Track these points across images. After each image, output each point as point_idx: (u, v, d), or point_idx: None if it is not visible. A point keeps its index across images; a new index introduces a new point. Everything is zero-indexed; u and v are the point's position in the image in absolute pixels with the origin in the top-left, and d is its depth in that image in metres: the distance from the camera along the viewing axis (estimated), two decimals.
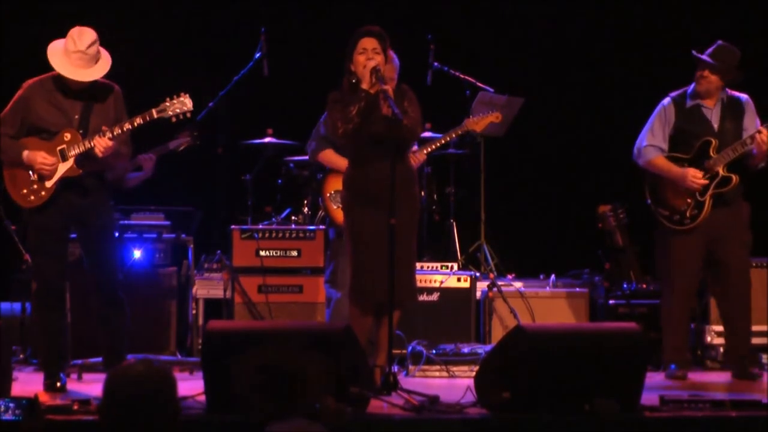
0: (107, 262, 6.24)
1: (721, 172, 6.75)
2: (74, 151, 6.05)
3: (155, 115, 6.09)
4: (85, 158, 6.09)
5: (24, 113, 6.12)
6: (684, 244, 6.79)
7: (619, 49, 9.26)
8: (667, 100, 6.93)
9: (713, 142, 6.77)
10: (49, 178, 6.07)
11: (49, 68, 6.12)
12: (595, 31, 9.30)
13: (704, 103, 6.85)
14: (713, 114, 6.84)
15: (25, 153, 6.07)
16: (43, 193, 6.09)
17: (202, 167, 8.69)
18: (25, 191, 6.11)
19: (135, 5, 8.89)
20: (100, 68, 6.09)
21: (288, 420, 3.57)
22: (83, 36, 6.04)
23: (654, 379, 6.51)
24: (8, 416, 4.36)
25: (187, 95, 6.15)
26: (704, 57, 6.81)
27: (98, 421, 3.52)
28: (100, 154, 6.01)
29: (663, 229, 6.88)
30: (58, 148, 6.07)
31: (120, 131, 6.04)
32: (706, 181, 6.74)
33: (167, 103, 6.12)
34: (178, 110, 6.12)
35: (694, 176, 6.74)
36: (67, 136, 6.07)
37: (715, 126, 6.83)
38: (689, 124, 6.84)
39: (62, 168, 6.07)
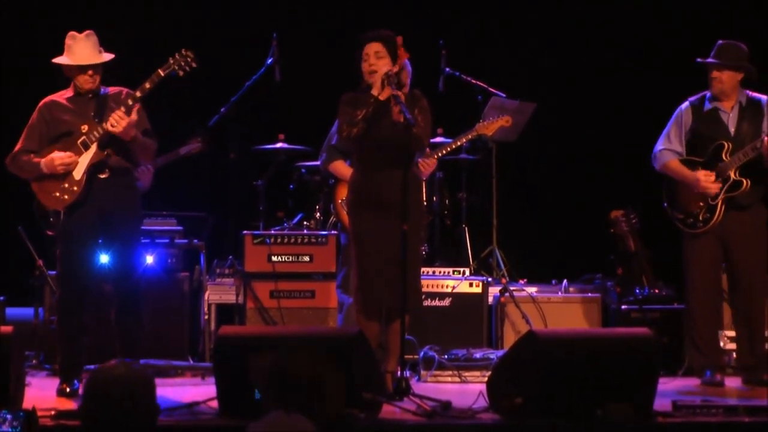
0: (127, 269, 6.27)
1: (732, 176, 6.73)
2: (94, 138, 6.12)
3: (162, 74, 6.13)
4: (112, 147, 6.15)
5: (42, 129, 6.23)
6: (699, 247, 6.78)
7: (631, 54, 9.25)
8: (684, 105, 6.92)
9: (726, 145, 6.76)
10: (76, 170, 6.14)
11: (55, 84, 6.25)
12: (607, 36, 9.29)
13: (722, 106, 6.83)
14: (730, 117, 6.82)
15: (42, 162, 6.14)
16: (75, 188, 6.15)
17: (214, 173, 8.71)
18: (57, 194, 6.17)
19: (145, 12, 8.92)
20: (103, 56, 6.22)
21: (266, 416, 3.60)
22: (80, 33, 6.22)
23: (670, 384, 6.50)
24: (6, 428, 4.35)
25: (189, 49, 6.19)
26: (709, 60, 6.81)
27: (80, 421, 3.61)
28: (120, 129, 6.04)
29: (682, 234, 6.86)
30: (79, 141, 6.15)
31: (130, 103, 6.09)
32: (719, 184, 6.73)
33: (171, 61, 6.17)
34: (183, 63, 6.17)
35: (707, 178, 6.73)
36: (85, 127, 6.16)
37: (732, 129, 6.80)
38: (706, 127, 6.83)
39: (86, 157, 6.15)
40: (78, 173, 6.14)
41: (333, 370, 4.01)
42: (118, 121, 6.04)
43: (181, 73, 6.17)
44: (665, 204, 6.94)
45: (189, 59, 6.17)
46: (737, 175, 6.73)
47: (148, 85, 6.12)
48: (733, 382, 6.86)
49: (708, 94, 6.88)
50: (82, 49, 6.17)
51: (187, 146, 7.99)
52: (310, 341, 5.55)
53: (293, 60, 8.59)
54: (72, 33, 6.22)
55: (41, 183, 6.20)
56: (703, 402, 5.65)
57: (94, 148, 6.14)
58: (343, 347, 5.42)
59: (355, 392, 5.29)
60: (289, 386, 3.85)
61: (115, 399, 3.51)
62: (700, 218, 6.78)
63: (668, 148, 6.89)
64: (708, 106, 6.87)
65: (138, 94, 6.12)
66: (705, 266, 6.80)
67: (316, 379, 3.87)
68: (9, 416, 4.35)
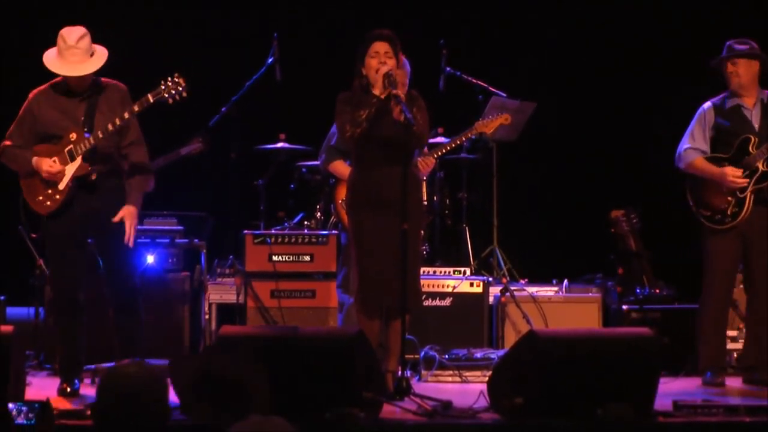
0: (122, 268, 6.24)
1: (761, 167, 6.72)
2: (81, 150, 6.07)
3: (152, 100, 6.05)
4: (96, 159, 6.12)
5: (31, 123, 6.19)
6: (723, 245, 6.76)
7: (631, 54, 9.25)
8: (707, 105, 6.91)
9: (753, 139, 6.75)
10: (61, 181, 6.10)
11: (51, 76, 6.19)
12: (607, 36, 9.29)
13: (743, 102, 6.83)
14: (753, 114, 6.82)
15: (34, 159, 6.13)
16: (57, 196, 6.12)
17: (215, 172, 8.70)
18: (40, 198, 6.15)
19: (145, 12, 8.92)
20: (95, 61, 6.13)
21: (246, 419, 3.61)
22: (72, 32, 6.12)
23: (671, 384, 6.50)
24: (21, 420, 4.38)
25: (181, 76, 6.11)
26: (722, 56, 6.82)
27: (92, 420, 3.61)
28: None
29: (703, 232, 6.83)
30: (66, 149, 6.10)
31: (118, 123, 6.04)
32: (746, 180, 6.72)
33: (162, 86, 6.09)
34: (173, 91, 6.09)
35: (734, 174, 6.72)
36: (73, 136, 6.10)
37: (756, 125, 6.80)
38: (729, 123, 6.82)
39: (71, 168, 6.10)
40: (63, 183, 6.10)
41: (256, 372, 4.02)
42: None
43: (170, 101, 6.08)
44: (691, 203, 6.88)
45: (180, 88, 6.07)
46: (765, 166, 6.72)
47: (136, 108, 6.05)
48: (733, 382, 6.86)
49: (727, 94, 6.88)
50: (71, 56, 6.06)
51: (188, 146, 7.98)
52: (311, 341, 5.55)
53: (294, 60, 8.59)
54: (63, 32, 6.10)
55: (29, 180, 6.17)
56: (703, 402, 5.65)
57: (79, 160, 6.08)
58: (343, 347, 5.43)
59: (356, 392, 5.30)
60: (212, 389, 3.87)
61: (129, 398, 3.51)
62: (729, 213, 6.74)
63: (693, 146, 6.86)
64: (729, 103, 6.86)
65: (126, 115, 6.05)
66: (727, 266, 6.79)
67: (238, 382, 3.88)
68: (24, 408, 4.38)
